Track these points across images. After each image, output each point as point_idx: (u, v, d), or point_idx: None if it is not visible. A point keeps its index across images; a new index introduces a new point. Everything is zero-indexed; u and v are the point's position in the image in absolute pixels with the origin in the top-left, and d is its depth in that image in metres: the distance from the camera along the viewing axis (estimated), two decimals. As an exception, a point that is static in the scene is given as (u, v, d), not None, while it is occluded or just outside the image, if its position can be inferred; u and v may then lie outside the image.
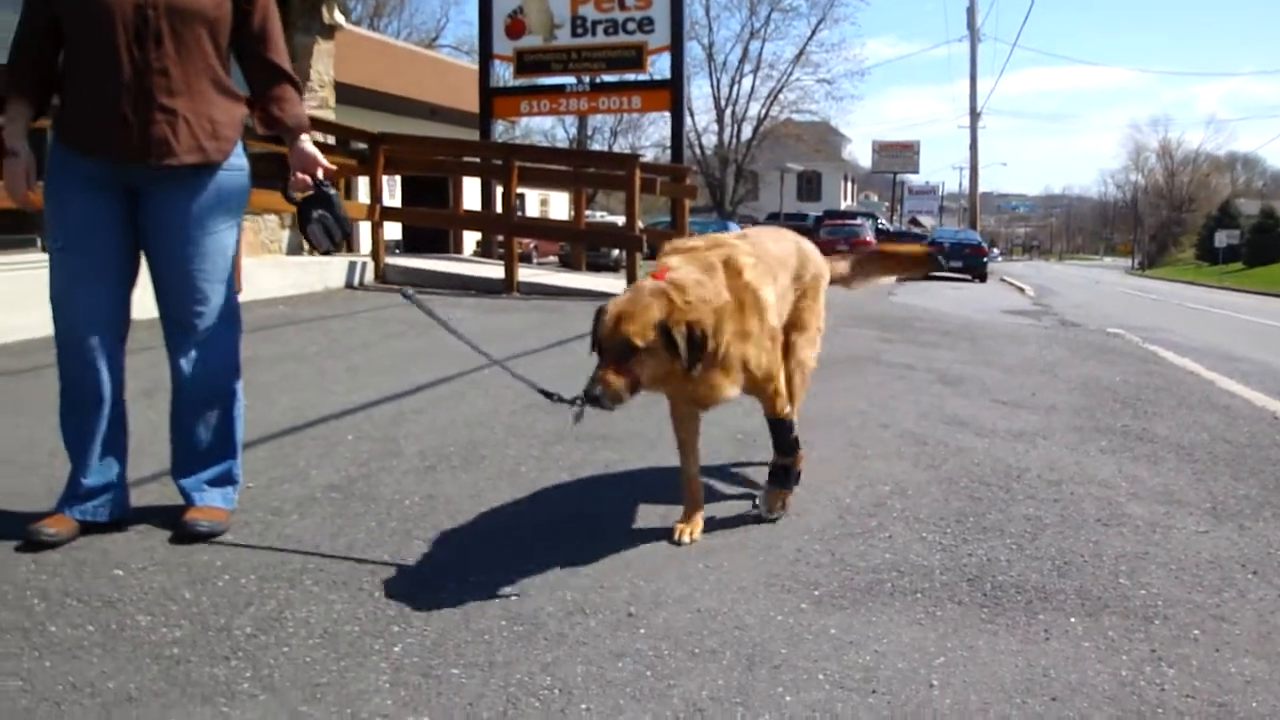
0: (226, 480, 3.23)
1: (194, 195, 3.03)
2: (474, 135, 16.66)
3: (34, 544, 2.96)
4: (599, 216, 32.15)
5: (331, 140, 11.68)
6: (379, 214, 11.11)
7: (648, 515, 3.43)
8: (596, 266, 19.08)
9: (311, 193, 3.21)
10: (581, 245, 16.88)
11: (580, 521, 3.35)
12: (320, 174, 3.21)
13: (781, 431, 3.33)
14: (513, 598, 2.73)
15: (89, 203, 2.99)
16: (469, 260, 14.79)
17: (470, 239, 18.83)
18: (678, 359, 2.81)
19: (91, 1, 2.88)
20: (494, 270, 11.45)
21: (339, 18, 13.36)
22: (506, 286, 10.68)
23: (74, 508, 3.07)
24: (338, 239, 3.29)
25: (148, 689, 2.24)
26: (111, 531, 3.09)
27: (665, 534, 3.22)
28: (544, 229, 21.45)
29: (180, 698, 2.21)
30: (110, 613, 2.59)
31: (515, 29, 15.92)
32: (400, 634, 2.51)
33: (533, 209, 32.38)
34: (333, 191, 3.26)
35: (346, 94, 14.79)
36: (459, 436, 4.30)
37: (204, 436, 3.17)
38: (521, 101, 16.34)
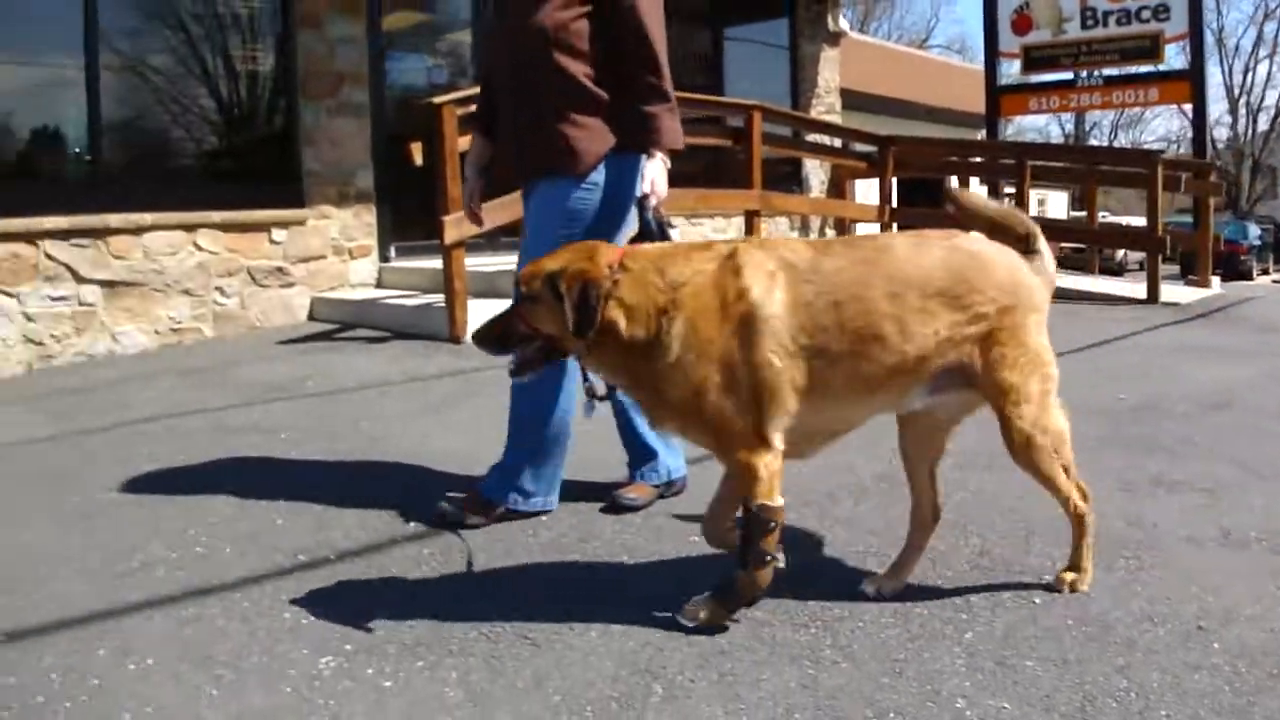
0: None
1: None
2: (970, 135, 16.36)
3: (618, 508, 3.45)
4: (1104, 217, 30.18)
5: (838, 143, 12.04)
6: (889, 215, 11.28)
7: (1204, 528, 3.26)
8: (1103, 270, 17.97)
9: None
10: (1097, 247, 15.98)
11: (1139, 530, 3.26)
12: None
13: (750, 524, 2.54)
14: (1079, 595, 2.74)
15: None
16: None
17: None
18: (562, 319, 2.46)
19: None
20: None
21: (843, 24, 13.69)
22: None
23: (647, 476, 3.55)
24: None
25: (739, 645, 2.51)
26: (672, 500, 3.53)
27: (1226, 549, 3.06)
28: (1059, 229, 20.46)
29: (769, 656, 2.46)
30: (684, 569, 2.92)
31: (1022, 25, 15.46)
32: (969, 622, 2.61)
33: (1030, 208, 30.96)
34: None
35: (847, 99, 15.13)
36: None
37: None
38: (1030, 99, 15.87)
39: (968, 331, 2.55)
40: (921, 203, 17.59)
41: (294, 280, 7.66)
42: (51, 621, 2.67)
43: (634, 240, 3.02)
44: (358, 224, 8.08)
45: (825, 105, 12.97)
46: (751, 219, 9.24)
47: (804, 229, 12.26)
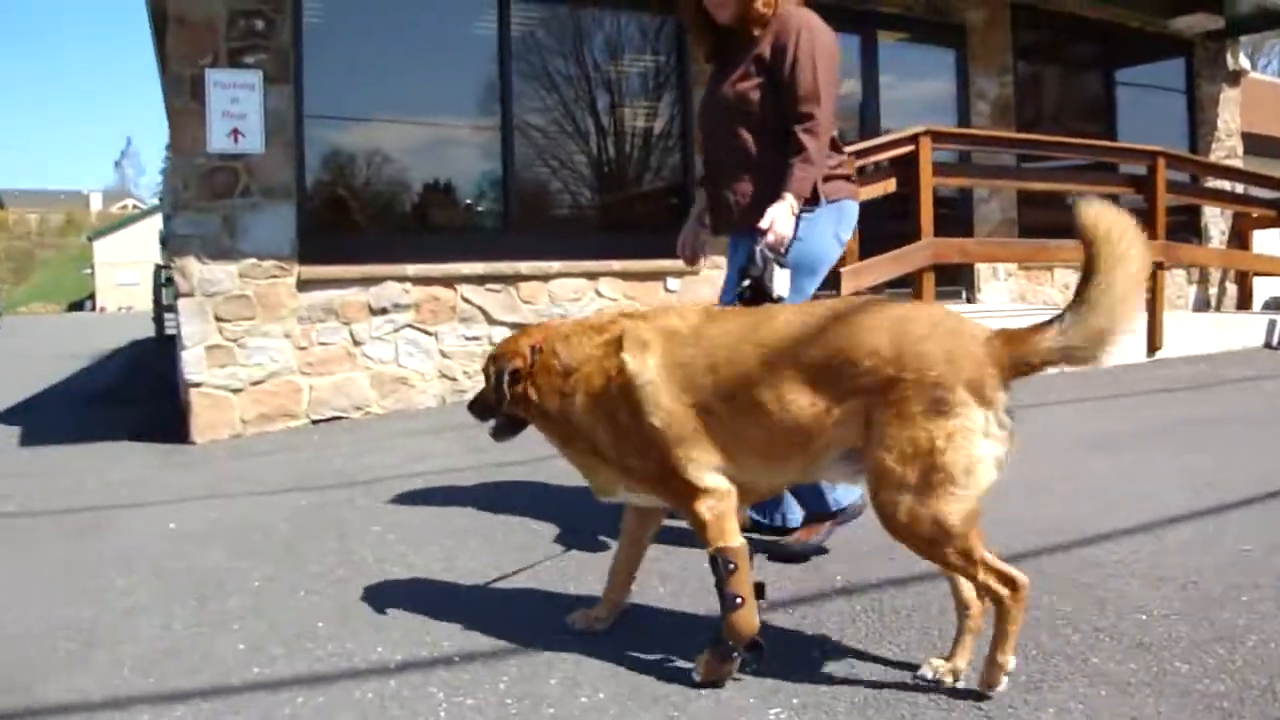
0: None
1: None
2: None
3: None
4: None
5: (1240, 189, 11.01)
6: (1305, 271, 10.17)
7: None
8: None
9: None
10: None
11: None
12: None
13: (713, 569, 2.51)
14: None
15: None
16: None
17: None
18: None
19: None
20: None
21: (1244, 63, 12.56)
22: None
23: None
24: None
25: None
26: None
27: None
28: None
29: None
30: (1147, 656, 2.65)
31: None
32: None
33: None
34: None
35: (1249, 143, 13.83)
36: None
37: None
38: None
39: (849, 405, 2.38)
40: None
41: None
42: (504, 647, 2.79)
43: (741, 271, 3.22)
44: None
45: (1226, 149, 11.92)
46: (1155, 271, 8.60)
47: (1203, 282, 11.29)
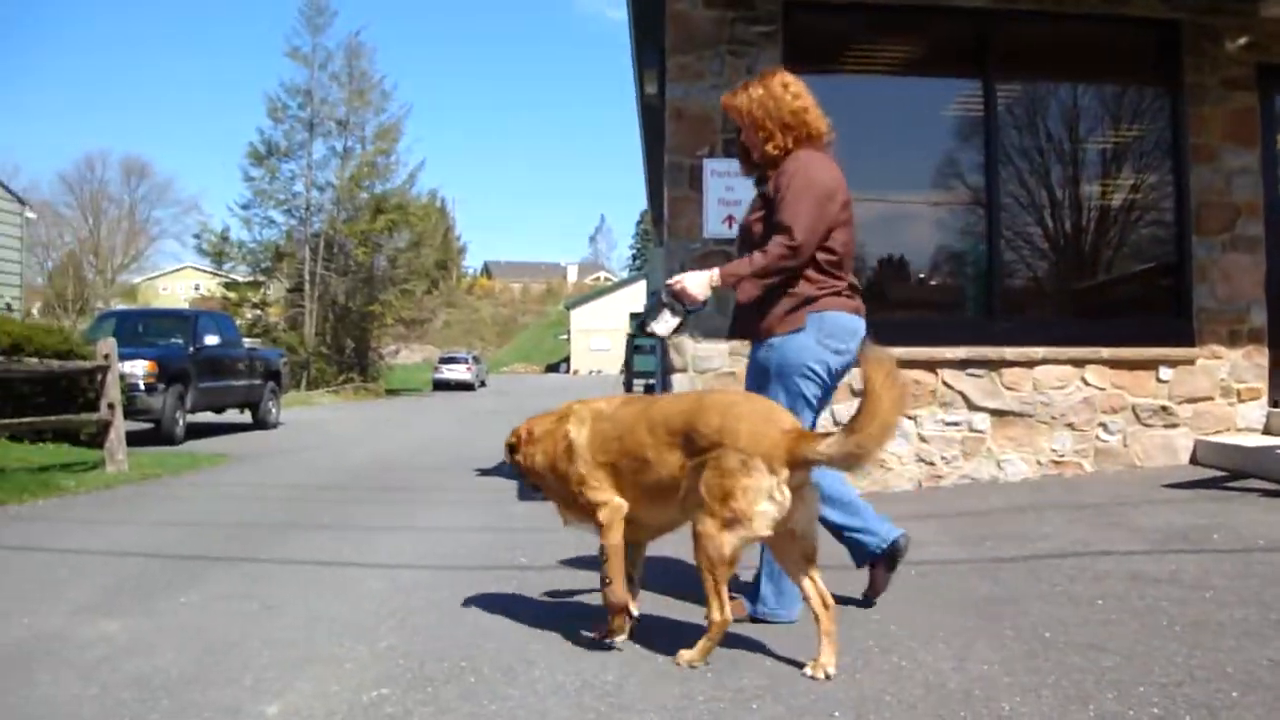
0: None
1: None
2: None
3: None
4: None
5: None
6: None
7: None
8: None
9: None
10: None
11: None
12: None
13: (600, 555, 3.67)
14: None
15: None
16: None
17: None
18: None
19: None
20: None
21: None
22: None
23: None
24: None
25: None
26: None
27: None
28: None
29: None
30: None
31: None
32: None
33: None
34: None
35: None
36: None
37: None
38: None
39: (694, 461, 3.37)
40: None
41: (1178, 421, 7.30)
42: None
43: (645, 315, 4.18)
44: (1248, 365, 7.48)
45: None
46: None
47: None
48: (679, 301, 3.92)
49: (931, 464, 6.99)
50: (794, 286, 3.89)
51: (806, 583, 3.43)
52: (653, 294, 3.68)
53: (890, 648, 3.64)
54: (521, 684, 3.29)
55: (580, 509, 3.71)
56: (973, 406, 7.02)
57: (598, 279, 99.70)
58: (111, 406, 9.57)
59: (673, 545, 4.18)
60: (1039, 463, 7.04)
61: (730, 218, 7.01)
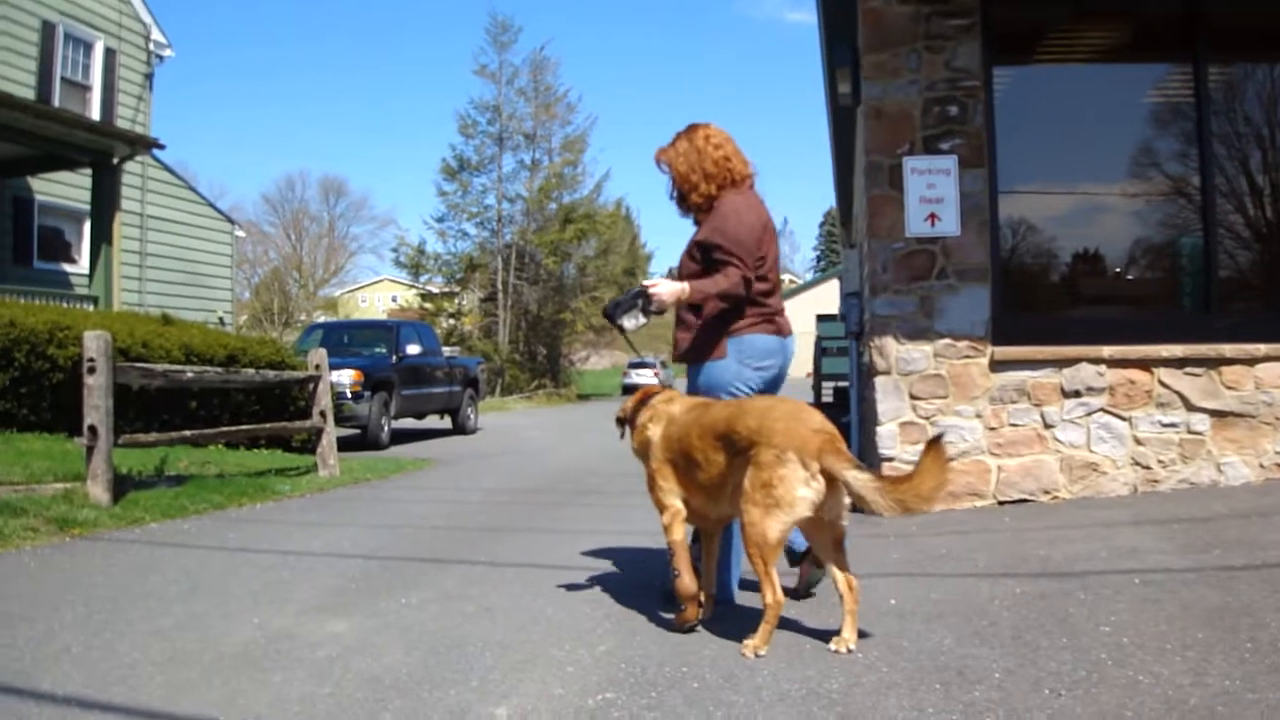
0: None
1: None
2: None
3: None
4: None
5: None
6: None
7: None
8: None
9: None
10: None
11: None
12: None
13: (669, 552, 4.17)
14: None
15: None
16: None
17: None
18: None
19: None
20: None
21: None
22: None
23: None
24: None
25: None
26: None
27: None
28: None
29: None
30: None
31: None
32: None
33: None
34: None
35: None
36: None
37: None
38: None
39: (736, 460, 3.85)
40: None
41: None
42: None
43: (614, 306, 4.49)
44: None
45: None
46: None
47: None
48: (650, 303, 4.34)
49: (1147, 467, 6.72)
50: (723, 319, 4.42)
51: (834, 566, 3.87)
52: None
53: (1123, 660, 3.56)
54: (745, 690, 3.37)
55: (654, 500, 4.26)
56: (1191, 407, 6.72)
57: (783, 282, 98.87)
58: (323, 414, 10.16)
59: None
60: (1261, 465, 6.68)
61: (933, 215, 6.92)
